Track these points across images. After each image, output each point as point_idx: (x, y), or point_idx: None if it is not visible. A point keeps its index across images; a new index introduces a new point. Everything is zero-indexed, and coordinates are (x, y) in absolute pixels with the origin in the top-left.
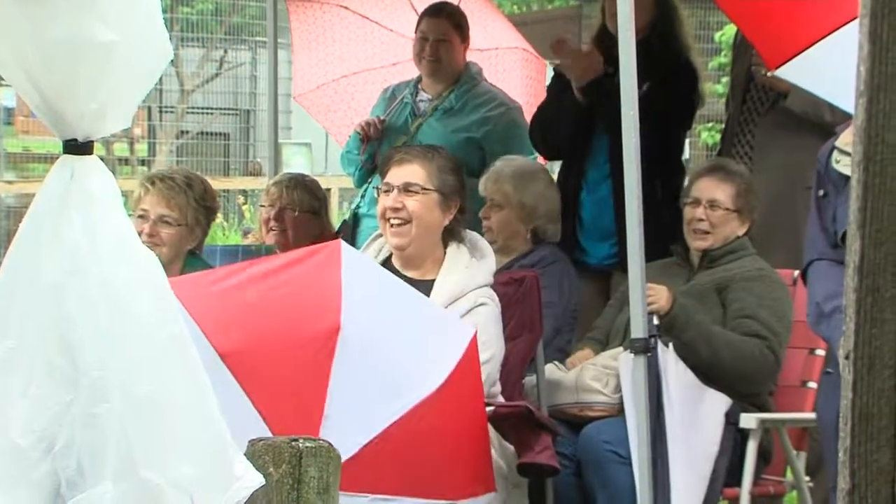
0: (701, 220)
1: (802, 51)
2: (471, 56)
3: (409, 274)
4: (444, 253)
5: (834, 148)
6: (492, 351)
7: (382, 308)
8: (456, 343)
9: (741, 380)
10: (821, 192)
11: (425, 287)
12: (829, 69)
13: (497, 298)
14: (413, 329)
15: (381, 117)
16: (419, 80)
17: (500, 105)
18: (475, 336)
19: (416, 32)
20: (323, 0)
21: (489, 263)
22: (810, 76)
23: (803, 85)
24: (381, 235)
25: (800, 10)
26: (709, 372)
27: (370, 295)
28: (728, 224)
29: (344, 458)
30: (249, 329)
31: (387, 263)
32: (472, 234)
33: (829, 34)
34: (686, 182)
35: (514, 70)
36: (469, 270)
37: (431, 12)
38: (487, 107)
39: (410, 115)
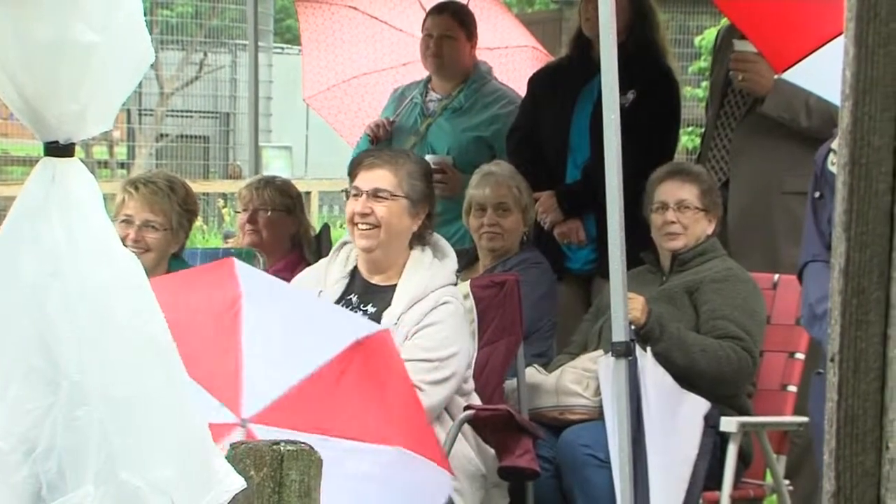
0: (673, 222)
1: (809, 54)
2: (480, 55)
3: (374, 280)
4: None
5: (830, 150)
6: (456, 347)
7: (282, 305)
8: (360, 325)
9: (720, 382)
10: (817, 194)
11: (389, 291)
12: (837, 73)
13: (461, 297)
14: (316, 319)
15: (391, 118)
16: (429, 80)
17: (509, 103)
18: (388, 331)
19: (422, 31)
20: (332, 1)
21: (451, 263)
22: (818, 80)
23: (811, 89)
24: (346, 243)
25: (806, 13)
26: (687, 377)
27: (269, 295)
28: (699, 223)
29: (276, 397)
30: None
31: (354, 271)
32: (434, 237)
33: (836, 37)
34: (646, 189)
35: (523, 68)
36: (430, 271)
37: (436, 9)
38: (496, 105)
39: (420, 116)
